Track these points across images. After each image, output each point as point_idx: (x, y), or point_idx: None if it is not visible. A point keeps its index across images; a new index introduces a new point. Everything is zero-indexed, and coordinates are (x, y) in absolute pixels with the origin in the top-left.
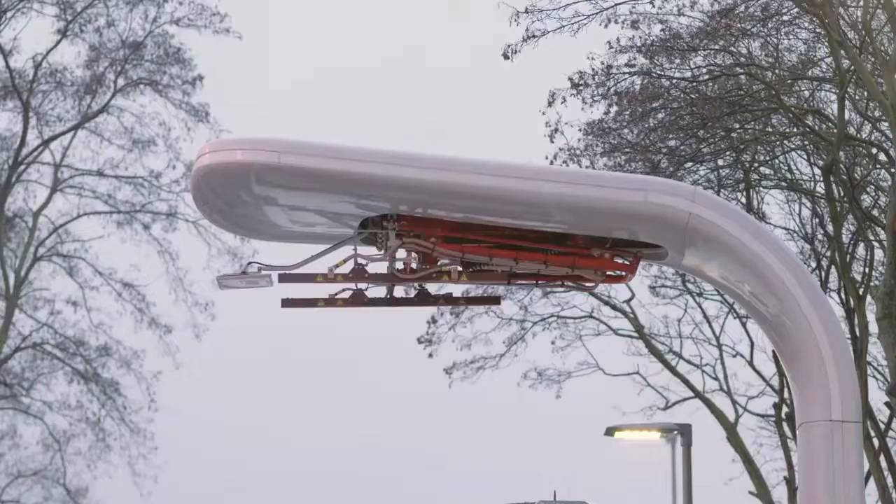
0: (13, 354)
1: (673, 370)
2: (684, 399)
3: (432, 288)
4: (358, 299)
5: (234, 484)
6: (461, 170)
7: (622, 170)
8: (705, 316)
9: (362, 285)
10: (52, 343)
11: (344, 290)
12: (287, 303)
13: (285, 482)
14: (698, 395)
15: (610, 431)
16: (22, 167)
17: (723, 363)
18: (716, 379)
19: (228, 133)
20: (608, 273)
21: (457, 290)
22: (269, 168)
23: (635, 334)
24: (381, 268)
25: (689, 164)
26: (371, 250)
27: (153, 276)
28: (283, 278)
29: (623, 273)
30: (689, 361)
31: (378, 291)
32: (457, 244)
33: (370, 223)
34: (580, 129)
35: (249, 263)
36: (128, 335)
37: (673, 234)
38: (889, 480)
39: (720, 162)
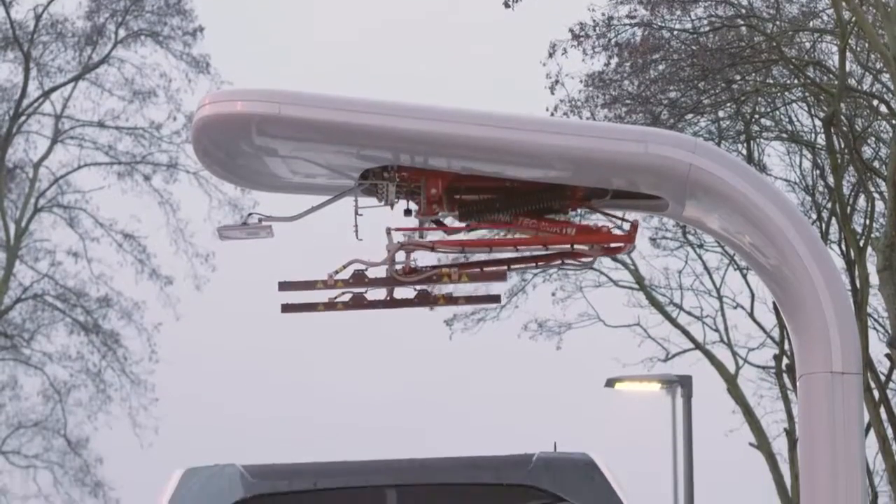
0: (14, 305)
1: (673, 322)
2: (685, 351)
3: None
4: (358, 302)
5: (235, 436)
6: (462, 121)
7: (623, 121)
8: (706, 267)
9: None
10: (52, 294)
11: (344, 292)
12: (287, 308)
13: (286, 434)
14: (699, 346)
15: (610, 383)
16: (22, 118)
17: (723, 315)
18: (716, 330)
19: (229, 84)
20: (606, 246)
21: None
22: (269, 119)
23: (636, 286)
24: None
25: (689, 116)
26: (370, 257)
27: (154, 227)
28: (283, 286)
29: (622, 244)
30: (689, 313)
31: (378, 293)
32: (457, 241)
33: (371, 174)
34: (581, 81)
35: (250, 214)
36: (128, 286)
37: (673, 186)
38: (889, 432)
39: (721, 114)
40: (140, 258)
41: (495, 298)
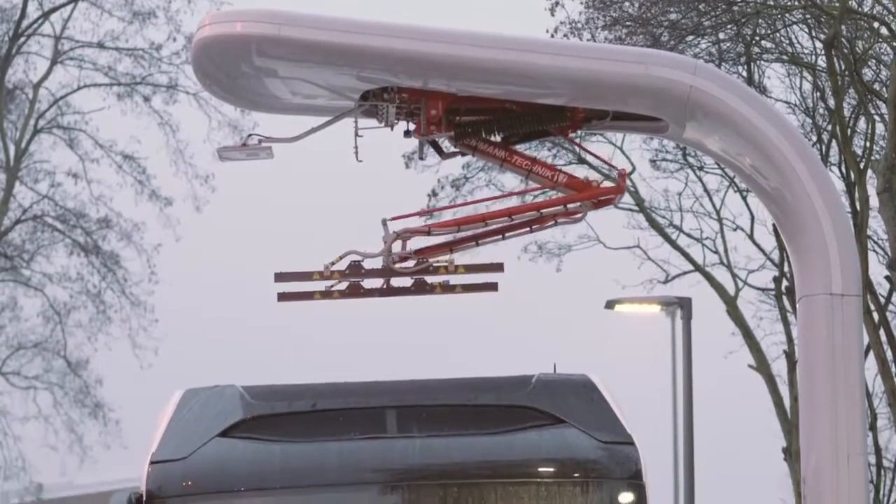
0: (14, 226)
1: (673, 244)
2: (684, 273)
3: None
4: (355, 291)
5: (235, 357)
6: (461, 42)
7: (623, 43)
8: (706, 189)
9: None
10: (52, 215)
11: (340, 280)
12: (283, 297)
13: (286, 355)
14: (698, 268)
15: (610, 304)
16: (22, 39)
17: (723, 236)
18: (716, 252)
19: (229, 5)
20: (597, 199)
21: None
22: (269, 40)
23: (636, 208)
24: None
25: (690, 38)
26: (366, 247)
27: (153, 148)
28: (279, 277)
29: (612, 196)
30: (689, 235)
31: (375, 282)
32: (452, 221)
33: (371, 95)
34: (581, 3)
35: (250, 136)
36: (128, 207)
37: (674, 108)
38: (888, 354)
39: (721, 35)
40: (140, 179)
41: (492, 286)
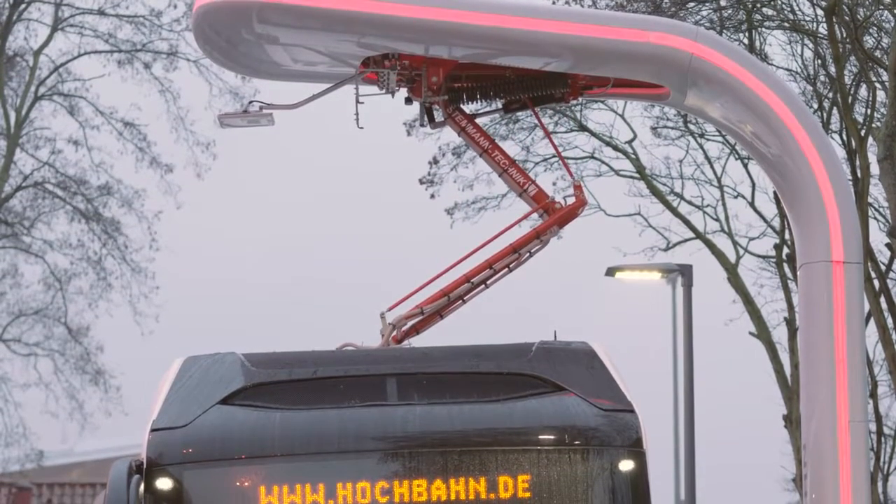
0: (14, 193)
1: (674, 211)
2: (685, 240)
3: None
4: None
5: (236, 324)
6: (463, 8)
7: (624, 10)
8: (707, 157)
9: None
10: (53, 182)
11: None
12: None
13: (287, 321)
14: (699, 235)
15: (611, 272)
16: (23, 6)
17: (724, 204)
18: (717, 220)
19: None
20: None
21: None
22: (269, 6)
23: (637, 175)
24: None
25: (691, 5)
26: (363, 341)
27: (154, 115)
28: None
29: (577, 211)
30: (690, 202)
31: None
32: (439, 292)
33: (372, 62)
34: None
35: (251, 102)
36: (129, 174)
37: (675, 75)
38: (889, 321)
39: (722, 2)
40: (140, 146)
41: None
